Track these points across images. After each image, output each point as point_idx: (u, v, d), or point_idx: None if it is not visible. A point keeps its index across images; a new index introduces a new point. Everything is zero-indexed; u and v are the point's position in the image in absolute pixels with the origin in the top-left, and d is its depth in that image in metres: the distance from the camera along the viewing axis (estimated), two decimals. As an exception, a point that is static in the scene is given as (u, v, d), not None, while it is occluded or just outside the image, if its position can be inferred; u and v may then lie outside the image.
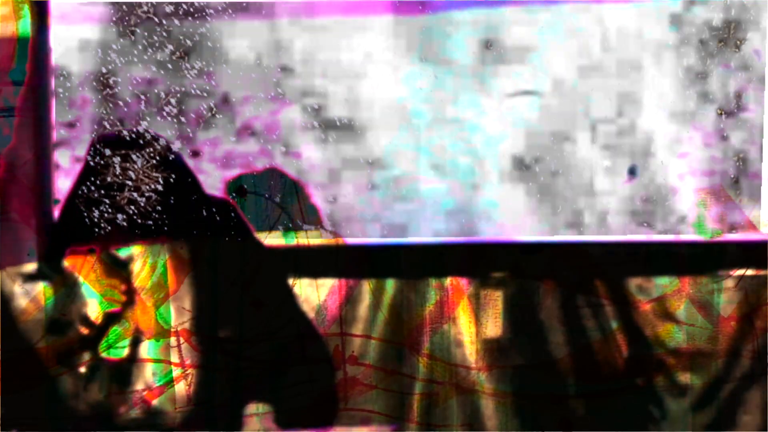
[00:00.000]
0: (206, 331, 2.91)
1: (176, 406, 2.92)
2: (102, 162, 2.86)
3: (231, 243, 2.90)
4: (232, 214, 2.92)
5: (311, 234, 2.96)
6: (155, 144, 2.87)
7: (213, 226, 2.90)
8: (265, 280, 2.92)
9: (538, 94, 3.00)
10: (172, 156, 2.88)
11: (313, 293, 2.94)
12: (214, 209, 2.89)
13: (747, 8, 3.00)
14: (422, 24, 2.97)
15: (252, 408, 2.95)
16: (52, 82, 2.88)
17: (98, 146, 2.86)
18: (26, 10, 2.83)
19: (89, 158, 2.86)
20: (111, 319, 2.89)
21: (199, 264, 2.89)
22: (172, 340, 2.89)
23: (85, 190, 2.85)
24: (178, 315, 2.89)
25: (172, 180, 2.86)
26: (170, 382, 2.91)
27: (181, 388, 2.92)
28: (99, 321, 2.88)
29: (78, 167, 2.88)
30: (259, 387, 2.94)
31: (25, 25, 2.83)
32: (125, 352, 2.90)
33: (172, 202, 2.86)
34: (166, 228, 2.86)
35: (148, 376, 2.91)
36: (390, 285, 2.97)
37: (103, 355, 2.89)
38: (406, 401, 2.99)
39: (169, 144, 2.89)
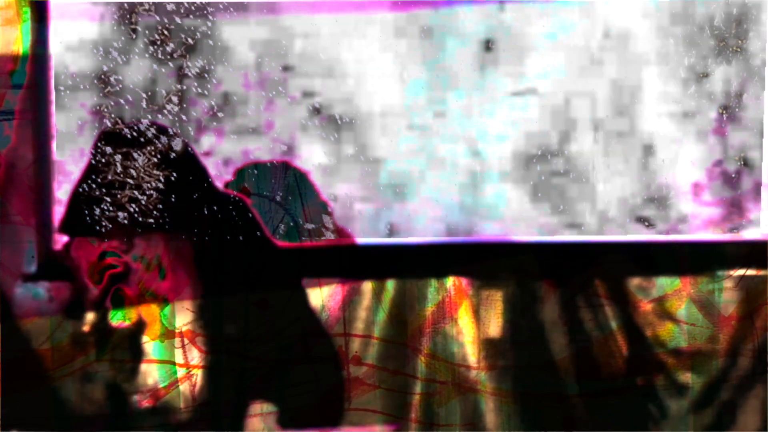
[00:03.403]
0: (212, 331, 2.90)
1: (181, 406, 2.91)
2: (104, 160, 2.84)
3: (243, 242, 2.89)
4: (240, 212, 2.90)
5: (314, 232, 2.95)
6: (162, 138, 2.85)
7: (223, 224, 2.89)
8: (277, 280, 2.92)
9: (538, 94, 3.00)
10: (183, 150, 2.87)
11: (316, 293, 2.94)
12: (230, 206, 2.88)
13: (748, 7, 3.01)
14: (423, 23, 2.96)
15: (256, 408, 2.94)
16: (52, 82, 2.86)
17: (102, 142, 2.85)
18: (28, 13, 2.81)
19: (94, 153, 2.84)
20: (115, 280, 2.86)
21: (208, 263, 2.89)
22: (177, 341, 2.89)
23: (89, 187, 2.84)
24: (182, 316, 2.89)
25: (179, 175, 2.85)
26: (175, 383, 2.90)
27: (185, 389, 2.91)
28: (104, 283, 2.86)
29: (78, 166, 2.87)
30: (264, 387, 2.94)
31: (26, 27, 2.82)
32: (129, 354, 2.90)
33: (174, 198, 2.84)
34: (168, 224, 2.85)
35: (152, 376, 2.91)
36: (391, 285, 2.96)
37: (110, 320, 2.88)
38: (408, 401, 2.99)
39: (180, 137, 2.88)
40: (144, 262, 2.85)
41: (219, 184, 2.92)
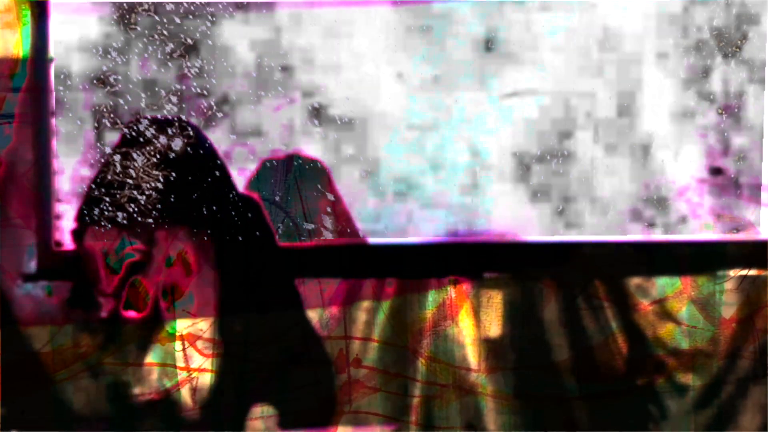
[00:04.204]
0: (212, 334, 2.90)
1: (182, 409, 2.91)
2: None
3: (248, 243, 2.89)
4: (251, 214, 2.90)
5: (313, 232, 2.95)
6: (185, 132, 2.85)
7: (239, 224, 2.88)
8: (278, 281, 2.92)
9: (538, 94, 3.00)
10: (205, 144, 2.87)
11: (317, 295, 2.93)
12: (240, 205, 2.87)
13: (748, 8, 3.01)
14: (423, 22, 2.96)
15: (257, 411, 2.94)
16: (53, 83, 2.86)
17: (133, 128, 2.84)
18: (28, 16, 2.81)
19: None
20: (133, 269, 2.85)
21: (213, 263, 2.88)
22: (177, 344, 2.88)
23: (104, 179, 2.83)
24: (183, 319, 2.88)
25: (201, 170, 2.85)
26: (176, 386, 2.90)
27: (186, 392, 2.90)
28: (121, 272, 2.85)
29: (77, 166, 2.87)
30: (265, 389, 2.93)
31: (26, 29, 2.82)
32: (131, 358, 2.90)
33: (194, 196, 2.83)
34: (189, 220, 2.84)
35: (152, 379, 2.90)
36: (391, 286, 2.96)
37: (123, 311, 2.87)
38: (408, 403, 2.98)
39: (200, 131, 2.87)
40: (163, 255, 2.84)
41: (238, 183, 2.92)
